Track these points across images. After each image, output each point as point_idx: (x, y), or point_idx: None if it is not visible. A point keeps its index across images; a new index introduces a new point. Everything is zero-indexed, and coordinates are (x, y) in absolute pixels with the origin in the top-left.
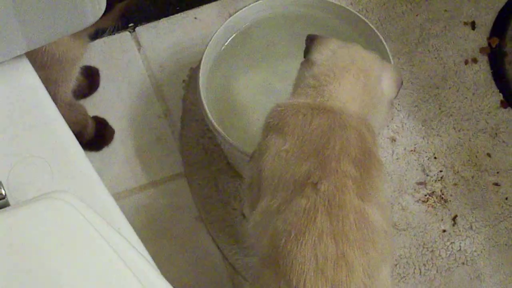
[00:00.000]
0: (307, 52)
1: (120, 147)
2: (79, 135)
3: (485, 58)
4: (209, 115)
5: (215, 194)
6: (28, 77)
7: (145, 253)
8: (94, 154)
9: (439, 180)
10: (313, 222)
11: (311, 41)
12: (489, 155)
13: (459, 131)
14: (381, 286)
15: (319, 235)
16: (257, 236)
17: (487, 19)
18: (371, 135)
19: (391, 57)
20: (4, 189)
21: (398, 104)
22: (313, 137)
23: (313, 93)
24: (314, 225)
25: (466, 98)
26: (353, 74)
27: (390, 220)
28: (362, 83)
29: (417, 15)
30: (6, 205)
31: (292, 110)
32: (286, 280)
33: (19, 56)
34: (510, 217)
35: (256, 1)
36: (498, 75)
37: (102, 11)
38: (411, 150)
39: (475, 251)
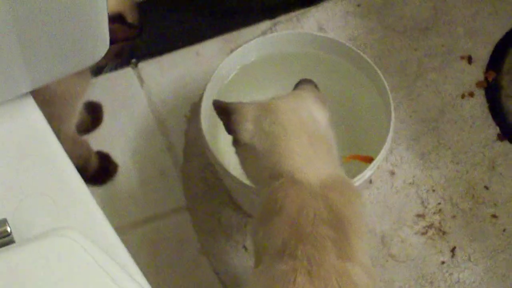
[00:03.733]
0: (228, 128)
1: (123, 181)
2: (82, 170)
3: (482, 92)
4: (211, 149)
5: (217, 227)
6: (32, 114)
7: None
8: (97, 188)
9: (437, 213)
10: (292, 283)
11: (224, 114)
12: (486, 187)
13: (457, 164)
14: None
15: None
16: None
17: (483, 53)
18: (339, 194)
19: (389, 92)
20: (9, 226)
21: (397, 138)
22: (286, 213)
23: (273, 173)
24: (294, 286)
25: (464, 131)
26: (292, 138)
27: (376, 280)
28: (305, 139)
29: (415, 50)
30: (11, 242)
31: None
32: None
33: (24, 94)
34: (508, 248)
35: (257, 38)
36: (494, 108)
37: (106, 50)
38: (410, 183)
39: (473, 282)
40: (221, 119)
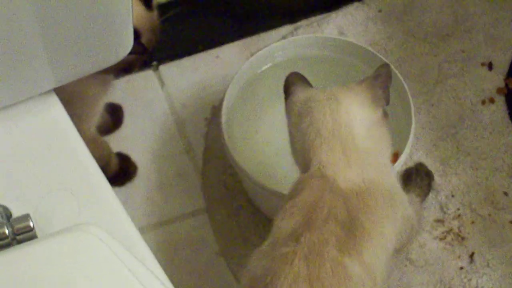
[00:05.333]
0: (286, 98)
1: (143, 182)
2: (103, 170)
3: (502, 98)
4: (231, 151)
5: (235, 230)
6: (55, 111)
7: (170, 285)
8: (117, 189)
9: (456, 218)
10: (289, 265)
11: (288, 88)
12: (506, 193)
13: (476, 170)
14: None
15: (295, 279)
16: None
17: (504, 60)
18: (363, 202)
19: (410, 97)
20: (32, 221)
21: (417, 143)
22: (304, 201)
23: (306, 162)
24: (291, 268)
25: (483, 137)
26: (324, 144)
27: (378, 283)
28: (338, 146)
29: (435, 56)
30: (34, 237)
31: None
32: None
33: (47, 91)
34: None
35: (277, 42)
36: None
37: (130, 48)
38: None
39: None
40: (284, 91)
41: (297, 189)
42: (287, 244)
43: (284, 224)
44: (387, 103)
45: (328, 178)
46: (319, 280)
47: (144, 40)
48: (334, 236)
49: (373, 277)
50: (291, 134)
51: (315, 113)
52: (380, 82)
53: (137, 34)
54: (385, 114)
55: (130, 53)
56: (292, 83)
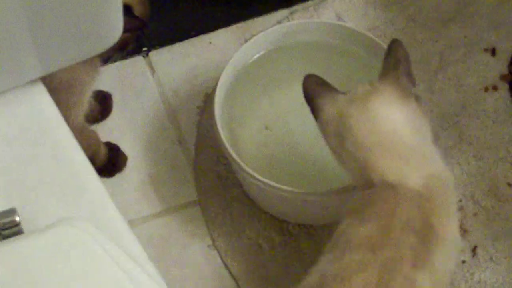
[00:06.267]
0: (314, 113)
1: (133, 173)
2: (91, 161)
3: (506, 85)
4: (224, 141)
5: (229, 222)
6: (42, 100)
7: (161, 281)
8: (106, 180)
9: (458, 210)
10: (362, 272)
11: (312, 101)
12: (509, 184)
13: (479, 160)
14: None
15: (365, 286)
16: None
17: (507, 46)
18: (432, 203)
19: None
20: (18, 216)
21: None
22: (378, 212)
23: (365, 177)
24: (363, 274)
25: (486, 126)
26: (379, 155)
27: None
28: (392, 151)
29: (436, 42)
30: (20, 232)
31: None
32: None
33: (34, 80)
34: None
35: (272, 27)
36: None
37: (119, 35)
38: None
39: (495, 282)
40: (307, 102)
41: (364, 202)
42: (361, 252)
43: (360, 232)
44: (414, 84)
45: (396, 186)
46: None
47: (137, 12)
48: (410, 248)
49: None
50: (335, 153)
51: (355, 130)
52: (403, 69)
53: (128, 9)
54: (417, 98)
55: (127, 30)
56: (315, 94)
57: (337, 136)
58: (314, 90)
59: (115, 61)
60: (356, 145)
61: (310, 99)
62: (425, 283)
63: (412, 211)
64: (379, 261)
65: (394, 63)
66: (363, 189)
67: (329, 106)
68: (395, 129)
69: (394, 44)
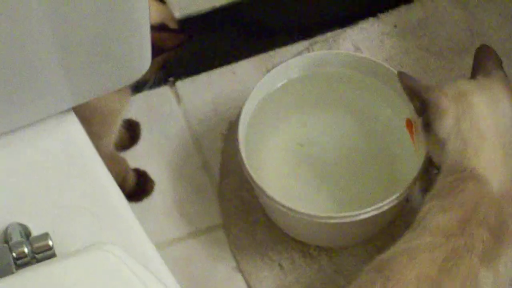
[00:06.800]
0: (423, 114)
1: (159, 198)
2: (120, 187)
3: None
4: (247, 167)
5: (252, 245)
6: (74, 130)
7: None
8: (134, 205)
9: None
10: (429, 252)
11: (414, 95)
12: None
13: None
14: None
15: (428, 264)
16: None
17: None
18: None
19: None
20: (51, 240)
21: None
22: (460, 202)
23: (458, 166)
24: (430, 254)
25: None
26: (486, 146)
27: None
28: (499, 147)
29: (450, 71)
30: (52, 256)
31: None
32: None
33: (66, 110)
34: None
35: (293, 58)
36: None
37: (148, 65)
38: None
39: None
40: (410, 98)
41: (448, 190)
42: (435, 236)
43: (438, 218)
44: None
45: (485, 181)
46: (449, 275)
47: (173, 26)
48: (482, 243)
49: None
50: (431, 137)
51: (475, 117)
52: (501, 69)
53: (163, 27)
54: None
55: (173, 47)
56: (419, 86)
57: (455, 119)
58: (415, 85)
59: (147, 88)
60: (472, 130)
61: (418, 91)
62: (486, 281)
63: (492, 209)
64: (449, 246)
65: (493, 63)
66: (449, 176)
67: (446, 99)
68: (505, 124)
69: (485, 48)
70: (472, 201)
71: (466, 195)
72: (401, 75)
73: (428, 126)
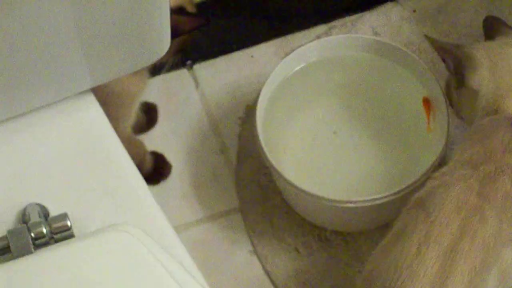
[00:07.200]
0: (451, 70)
1: (177, 181)
2: (138, 169)
3: None
4: (265, 151)
5: (269, 229)
6: (93, 110)
7: (205, 285)
8: (151, 188)
9: None
10: (464, 181)
11: (446, 54)
12: None
13: None
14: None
15: (465, 190)
16: None
17: None
18: None
19: (444, 97)
20: (69, 221)
21: (451, 144)
22: (485, 135)
23: (490, 110)
24: (465, 183)
25: None
26: None
27: None
28: None
29: None
30: (71, 236)
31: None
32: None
33: (85, 91)
34: None
35: (311, 41)
36: None
37: (167, 47)
38: None
39: None
40: (443, 59)
41: (477, 129)
42: (464, 167)
43: (465, 153)
44: None
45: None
46: (487, 199)
47: (190, 10)
48: (510, 168)
49: None
50: (465, 93)
51: (507, 66)
52: None
53: (182, 10)
54: None
55: (191, 29)
56: (449, 45)
57: (494, 64)
58: (447, 43)
59: (165, 70)
60: (503, 77)
61: (450, 48)
62: None
63: None
64: (481, 174)
65: (505, 26)
66: (481, 120)
67: (479, 51)
68: None
69: (490, 17)
70: (498, 134)
71: (494, 131)
72: (429, 38)
73: (460, 82)
